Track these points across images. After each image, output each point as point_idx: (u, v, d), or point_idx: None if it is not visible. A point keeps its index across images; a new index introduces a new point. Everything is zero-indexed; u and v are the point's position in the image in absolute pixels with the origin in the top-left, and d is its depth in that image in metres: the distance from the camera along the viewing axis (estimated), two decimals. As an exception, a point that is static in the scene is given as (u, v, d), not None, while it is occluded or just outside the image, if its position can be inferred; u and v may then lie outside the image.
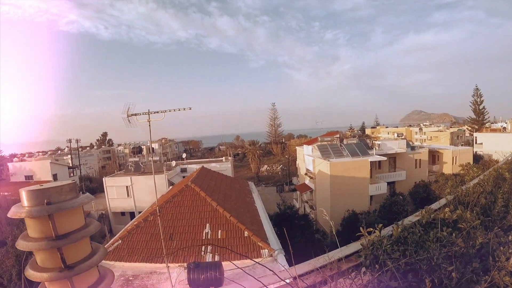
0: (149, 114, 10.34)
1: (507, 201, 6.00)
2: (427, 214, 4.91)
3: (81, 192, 1.76)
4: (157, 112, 10.40)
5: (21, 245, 1.57)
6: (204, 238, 14.45)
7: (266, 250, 13.12)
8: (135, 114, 10.31)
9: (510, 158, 15.17)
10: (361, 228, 4.23)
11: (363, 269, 3.81)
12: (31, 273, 1.59)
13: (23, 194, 1.60)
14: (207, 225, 15.15)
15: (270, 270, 3.39)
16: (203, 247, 13.63)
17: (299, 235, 22.75)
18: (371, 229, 4.20)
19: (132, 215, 35.77)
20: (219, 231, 14.67)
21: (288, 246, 4.99)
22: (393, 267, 3.38)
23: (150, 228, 15.31)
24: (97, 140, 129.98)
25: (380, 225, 4.29)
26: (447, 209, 4.77)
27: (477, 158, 48.02)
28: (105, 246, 13.16)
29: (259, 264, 3.51)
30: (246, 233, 14.25)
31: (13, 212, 1.57)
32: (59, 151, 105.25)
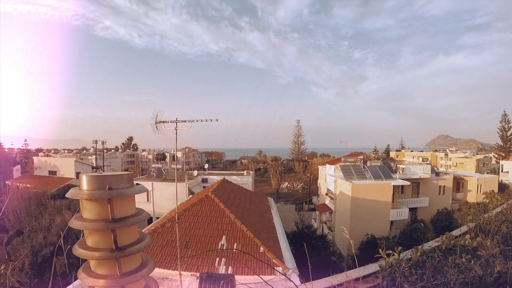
0: (176, 123, 10.52)
1: (529, 231, 5.90)
2: (447, 240, 4.89)
3: (136, 183, 1.91)
4: (185, 121, 10.56)
5: (76, 224, 1.69)
6: (219, 249, 14.49)
7: (281, 268, 13.03)
8: (163, 122, 10.51)
9: None
10: (380, 250, 4.24)
11: (380, 290, 3.82)
12: (80, 252, 1.70)
13: (84, 178, 1.73)
14: (224, 237, 15.20)
15: (290, 281, 3.43)
16: (218, 258, 13.67)
17: (315, 255, 22.50)
18: (390, 251, 4.21)
19: (149, 220, 36.19)
20: (235, 244, 14.68)
21: (303, 265, 5.02)
22: (410, 291, 3.38)
23: (167, 234, 15.51)
24: (123, 143, 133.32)
25: (400, 248, 4.31)
26: (467, 236, 4.74)
27: (502, 187, 46.58)
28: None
29: (281, 274, 3.55)
30: (261, 249, 14.19)
31: (73, 194, 1.70)
32: (85, 151, 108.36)
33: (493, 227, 6.16)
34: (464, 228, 7.17)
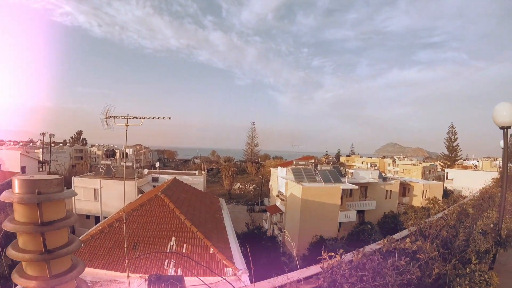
0: (127, 119, 10.24)
1: (468, 236, 6.25)
2: (388, 243, 5.09)
3: (65, 187, 1.89)
4: (136, 118, 10.31)
5: (8, 226, 1.69)
6: (168, 250, 14.25)
7: (231, 269, 13.04)
8: (114, 117, 10.19)
9: (476, 195, 15.69)
10: (322, 252, 4.34)
11: (322, 291, 3.91)
12: (12, 253, 1.71)
13: (16, 182, 1.73)
14: (173, 238, 14.97)
15: (230, 284, 3.45)
16: (166, 260, 13.45)
17: (265, 256, 22.66)
18: (332, 253, 4.32)
19: (97, 219, 35.03)
20: (185, 245, 14.50)
21: (253, 266, 5.06)
22: (349, 291, 3.50)
23: (114, 235, 15.03)
24: (71, 137, 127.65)
25: (342, 250, 4.43)
26: (408, 240, 4.96)
27: (447, 193, 49.18)
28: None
29: (225, 279, 3.57)
30: (211, 250, 14.13)
31: (5, 197, 1.71)
32: (31, 143, 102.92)
33: (434, 231, 6.45)
34: (405, 232, 7.50)
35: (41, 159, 64.49)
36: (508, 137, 6.93)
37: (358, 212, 38.19)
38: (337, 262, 4.05)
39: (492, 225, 7.00)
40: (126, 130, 10.37)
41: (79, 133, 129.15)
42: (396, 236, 6.67)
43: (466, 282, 3.86)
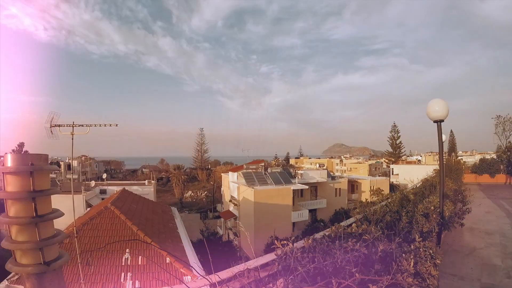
0: (73, 127, 10.02)
1: (411, 219, 6.81)
2: (336, 229, 5.46)
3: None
4: (82, 126, 10.12)
5: (2, 194, 1.88)
6: (123, 264, 13.91)
7: (189, 277, 13.02)
8: (59, 125, 9.94)
9: (419, 184, 16.80)
10: (275, 241, 4.61)
11: (278, 275, 4.16)
12: (4, 220, 1.86)
13: (9, 156, 1.95)
14: (127, 250, 14.64)
15: (196, 271, 3.61)
16: (123, 273, 13.22)
17: (223, 261, 22.68)
18: (285, 241, 4.59)
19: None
20: (140, 257, 14.25)
21: (210, 272, 5.23)
22: (303, 272, 3.77)
23: (66, 251, 14.45)
24: (13, 150, 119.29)
25: (293, 237, 4.72)
26: (354, 224, 5.36)
27: (393, 187, 51.81)
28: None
29: (194, 266, 3.70)
30: (168, 260, 14.03)
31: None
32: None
33: (378, 217, 6.95)
34: (351, 220, 7.97)
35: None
36: (442, 130, 7.63)
37: (310, 211, 39.28)
38: (290, 248, 4.32)
39: (432, 208, 7.64)
40: (72, 139, 10.16)
41: (21, 145, 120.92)
42: (343, 223, 7.10)
43: (412, 257, 4.24)
